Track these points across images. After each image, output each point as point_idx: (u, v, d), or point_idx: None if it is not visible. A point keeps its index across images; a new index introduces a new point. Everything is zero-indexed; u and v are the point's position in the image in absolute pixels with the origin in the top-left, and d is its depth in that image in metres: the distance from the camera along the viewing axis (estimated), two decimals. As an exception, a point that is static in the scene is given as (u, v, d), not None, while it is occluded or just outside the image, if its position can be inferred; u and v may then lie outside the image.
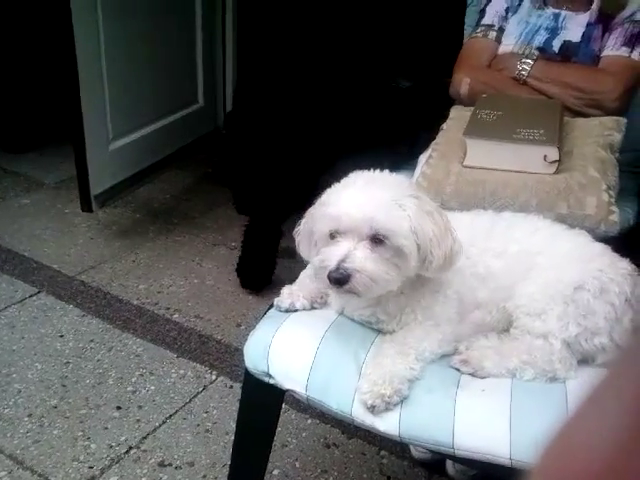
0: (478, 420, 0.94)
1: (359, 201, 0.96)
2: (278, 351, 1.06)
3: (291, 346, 1.07)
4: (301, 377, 1.02)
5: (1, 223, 2.63)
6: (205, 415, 1.75)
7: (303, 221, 1.08)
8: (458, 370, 1.03)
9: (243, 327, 2.11)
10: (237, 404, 1.77)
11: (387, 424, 0.96)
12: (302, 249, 1.09)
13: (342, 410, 0.99)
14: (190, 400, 1.79)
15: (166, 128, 2.98)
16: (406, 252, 0.97)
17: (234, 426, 1.69)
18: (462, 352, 1.05)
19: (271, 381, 1.06)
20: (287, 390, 1.05)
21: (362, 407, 0.97)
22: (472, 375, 1.02)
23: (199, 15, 3.08)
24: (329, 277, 0.94)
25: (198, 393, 1.81)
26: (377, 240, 0.95)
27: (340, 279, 0.93)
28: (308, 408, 1.76)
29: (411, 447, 1.67)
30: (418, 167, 1.66)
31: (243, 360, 1.89)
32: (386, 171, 1.04)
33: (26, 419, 1.69)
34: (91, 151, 2.46)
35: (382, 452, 1.67)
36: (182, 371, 1.89)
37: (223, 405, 1.78)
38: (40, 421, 1.68)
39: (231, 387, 1.84)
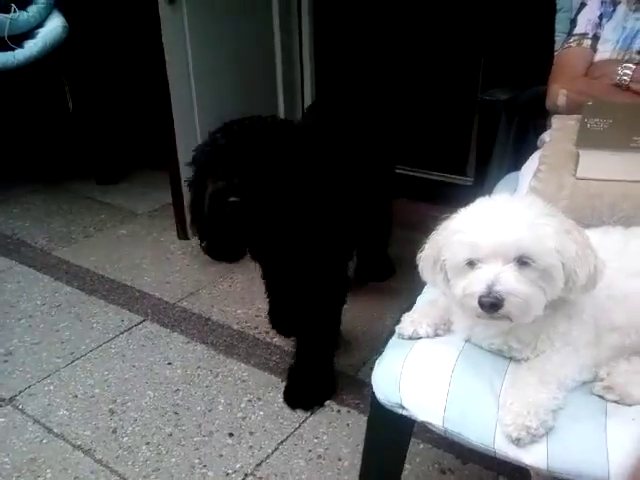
0: (635, 451, 0.89)
1: (502, 224, 0.93)
2: (410, 381, 1.04)
3: (423, 376, 1.05)
4: (437, 408, 1.00)
5: (102, 254, 2.75)
6: (316, 441, 1.74)
7: (426, 248, 1.06)
8: (602, 397, 0.98)
9: (341, 350, 2.10)
10: (347, 429, 1.78)
11: (534, 457, 0.92)
12: (427, 276, 1.07)
13: (483, 442, 0.96)
14: (299, 425, 1.79)
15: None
16: (553, 273, 0.93)
17: (346, 451, 1.71)
18: (604, 378, 1.00)
19: (404, 412, 1.04)
20: (421, 422, 1.03)
21: (505, 439, 0.94)
22: (617, 402, 0.97)
23: (279, 64, 3.16)
24: (481, 302, 0.91)
25: (307, 418, 1.82)
26: (522, 262, 0.92)
27: (495, 303, 0.90)
28: (419, 432, 1.73)
29: (532, 472, 1.61)
30: (522, 181, 1.61)
31: (346, 384, 1.92)
32: (516, 194, 1.01)
33: (144, 447, 1.73)
34: (186, 181, 2.54)
35: (500, 477, 1.61)
36: (288, 396, 1.90)
37: (332, 430, 1.78)
38: (158, 449, 1.73)
39: (338, 411, 1.84)
